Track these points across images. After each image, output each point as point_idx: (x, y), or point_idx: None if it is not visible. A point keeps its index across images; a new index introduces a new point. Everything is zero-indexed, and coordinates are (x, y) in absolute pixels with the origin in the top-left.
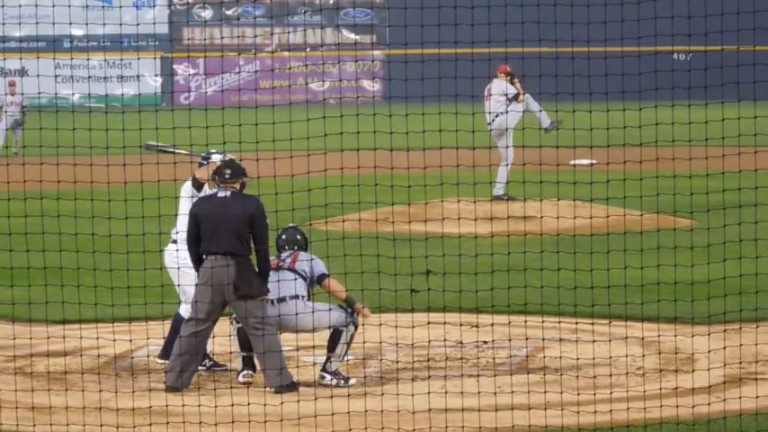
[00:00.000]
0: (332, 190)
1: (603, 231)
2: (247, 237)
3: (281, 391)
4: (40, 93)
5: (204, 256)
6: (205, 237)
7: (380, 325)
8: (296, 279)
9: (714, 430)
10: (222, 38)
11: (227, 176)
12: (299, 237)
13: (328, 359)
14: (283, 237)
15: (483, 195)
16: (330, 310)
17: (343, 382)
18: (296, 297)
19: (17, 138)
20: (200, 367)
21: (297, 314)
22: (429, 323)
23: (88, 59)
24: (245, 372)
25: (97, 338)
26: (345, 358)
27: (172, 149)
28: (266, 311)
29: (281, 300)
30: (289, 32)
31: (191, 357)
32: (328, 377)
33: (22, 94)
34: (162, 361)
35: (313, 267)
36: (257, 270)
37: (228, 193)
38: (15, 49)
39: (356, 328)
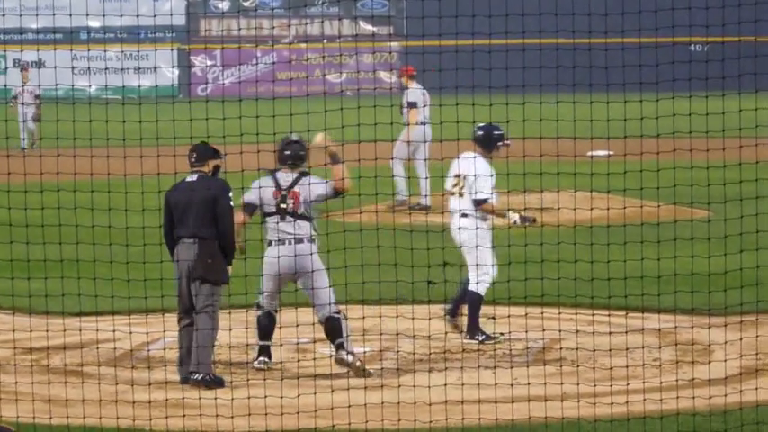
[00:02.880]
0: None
1: (620, 223)
2: (212, 219)
3: (199, 381)
4: (57, 84)
5: (176, 242)
6: (176, 222)
7: (397, 317)
8: (307, 222)
9: (730, 421)
10: (239, 29)
11: (194, 160)
12: (302, 152)
13: (340, 344)
14: (286, 152)
15: (500, 187)
16: (330, 287)
17: (357, 362)
18: (302, 240)
19: (32, 129)
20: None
21: (311, 254)
22: (446, 315)
23: (105, 51)
24: (261, 359)
25: (113, 331)
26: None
27: None
28: (217, 296)
29: (299, 240)
30: (306, 24)
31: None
32: (344, 353)
33: (39, 85)
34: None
35: (313, 196)
36: (223, 254)
37: (195, 178)
38: (32, 40)
39: (346, 318)
